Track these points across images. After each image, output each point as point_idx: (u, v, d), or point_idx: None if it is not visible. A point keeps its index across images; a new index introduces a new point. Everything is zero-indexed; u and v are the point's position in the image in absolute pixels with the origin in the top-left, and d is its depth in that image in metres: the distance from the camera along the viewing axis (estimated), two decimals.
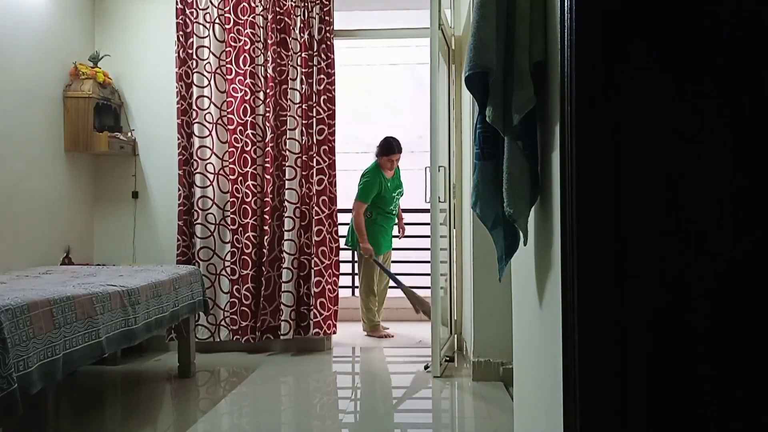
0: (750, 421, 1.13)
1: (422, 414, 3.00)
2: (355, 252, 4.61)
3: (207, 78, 3.93)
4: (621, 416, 1.15)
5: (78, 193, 3.95)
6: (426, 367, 3.51)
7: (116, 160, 4.09)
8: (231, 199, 3.91)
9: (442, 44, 3.59)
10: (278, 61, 3.92)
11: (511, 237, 1.60)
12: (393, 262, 4.93)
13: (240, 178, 3.92)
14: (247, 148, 3.92)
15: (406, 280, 4.88)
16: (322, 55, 3.91)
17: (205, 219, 3.92)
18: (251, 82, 3.92)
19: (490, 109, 1.45)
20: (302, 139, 3.94)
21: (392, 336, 4.56)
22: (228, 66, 3.92)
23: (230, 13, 3.92)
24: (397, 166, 4.58)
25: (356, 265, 4.62)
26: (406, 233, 4.92)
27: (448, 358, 3.57)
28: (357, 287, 5.50)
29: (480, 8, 1.45)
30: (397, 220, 4.73)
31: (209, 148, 3.93)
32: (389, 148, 4.46)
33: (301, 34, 3.91)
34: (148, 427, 2.74)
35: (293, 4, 3.91)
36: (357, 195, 4.45)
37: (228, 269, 3.93)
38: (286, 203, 3.91)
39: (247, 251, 3.88)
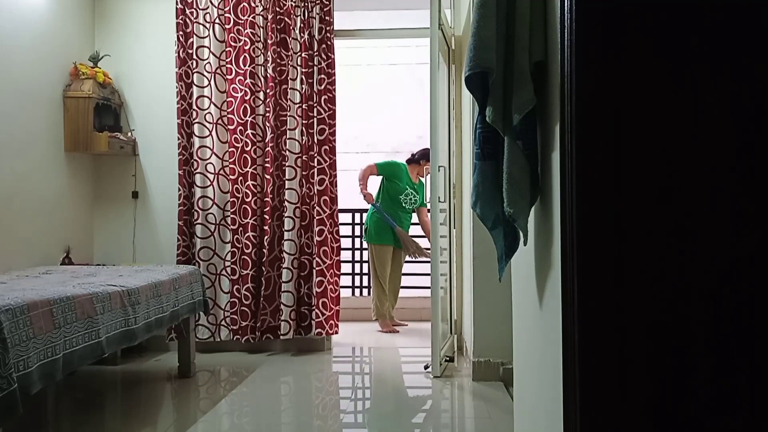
0: (749, 421, 1.13)
1: (422, 414, 2.99)
2: (368, 243, 4.84)
3: (207, 78, 3.93)
4: (621, 416, 1.15)
5: (78, 193, 3.95)
6: (426, 367, 3.51)
7: (116, 160, 4.09)
8: (231, 199, 3.91)
9: (442, 44, 3.59)
10: (278, 61, 3.92)
11: (511, 237, 1.60)
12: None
13: (240, 178, 3.92)
14: (247, 148, 3.92)
15: (405, 281, 4.97)
16: (323, 55, 3.91)
17: (206, 219, 3.92)
18: (251, 82, 3.91)
19: (490, 109, 1.45)
20: (302, 139, 3.94)
21: (401, 328, 4.83)
22: (228, 66, 3.92)
23: (230, 13, 3.92)
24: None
25: (370, 258, 4.85)
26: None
27: (448, 358, 3.57)
28: (358, 287, 5.79)
29: (480, 8, 1.45)
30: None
31: (209, 148, 3.92)
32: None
33: (301, 34, 3.91)
34: (148, 427, 2.74)
35: (293, 4, 3.91)
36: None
37: (228, 269, 3.93)
38: (286, 203, 3.91)
39: (247, 251, 3.88)
